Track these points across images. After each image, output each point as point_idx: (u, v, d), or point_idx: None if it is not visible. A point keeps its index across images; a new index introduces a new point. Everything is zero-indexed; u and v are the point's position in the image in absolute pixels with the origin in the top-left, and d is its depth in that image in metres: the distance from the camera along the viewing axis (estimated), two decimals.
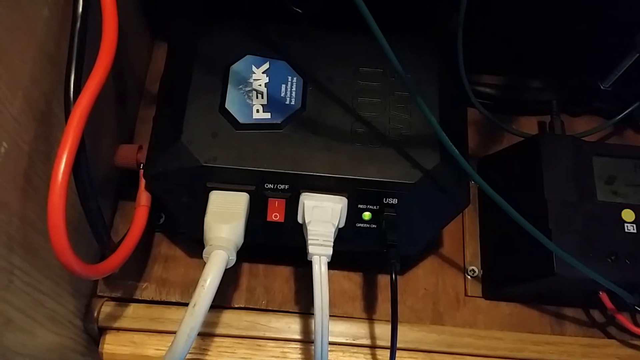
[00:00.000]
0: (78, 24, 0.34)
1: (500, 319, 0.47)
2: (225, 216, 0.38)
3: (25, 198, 0.32)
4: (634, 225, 0.42)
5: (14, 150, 0.30)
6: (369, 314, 0.46)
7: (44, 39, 0.32)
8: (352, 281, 0.47)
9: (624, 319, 0.44)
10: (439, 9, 0.46)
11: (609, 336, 0.47)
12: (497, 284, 0.46)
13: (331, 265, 0.38)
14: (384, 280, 0.47)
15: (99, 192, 0.39)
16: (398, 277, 0.40)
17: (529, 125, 0.53)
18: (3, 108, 0.29)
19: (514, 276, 0.45)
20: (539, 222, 0.40)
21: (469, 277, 0.48)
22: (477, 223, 0.49)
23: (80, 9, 0.34)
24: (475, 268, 0.48)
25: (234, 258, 0.37)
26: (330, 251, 0.37)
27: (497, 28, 0.48)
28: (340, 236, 0.40)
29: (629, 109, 0.48)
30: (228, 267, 0.36)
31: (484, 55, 0.48)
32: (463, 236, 0.49)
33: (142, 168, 0.42)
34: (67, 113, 0.32)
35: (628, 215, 0.42)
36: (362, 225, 0.41)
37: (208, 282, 0.35)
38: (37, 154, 0.33)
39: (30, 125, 0.32)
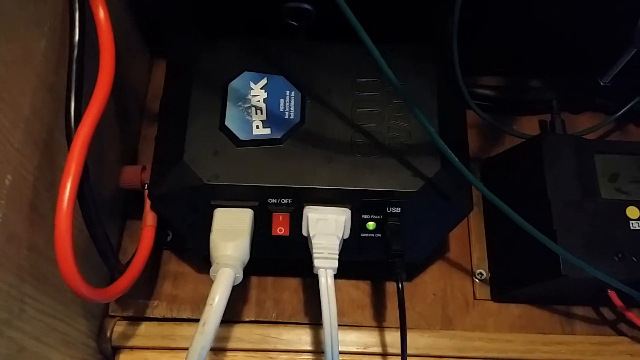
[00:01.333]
0: (75, 53, 0.34)
1: (510, 321, 0.47)
2: (231, 233, 0.38)
3: (32, 227, 0.33)
4: (639, 223, 0.41)
5: (19, 182, 0.31)
6: (379, 321, 0.46)
7: (42, 69, 0.33)
8: (361, 290, 0.47)
9: (633, 316, 0.44)
10: (434, 15, 0.46)
11: (620, 333, 0.46)
12: (505, 286, 0.46)
13: (339, 274, 0.38)
14: (392, 287, 0.47)
15: (105, 213, 0.40)
16: (406, 283, 0.40)
17: (530, 125, 0.53)
18: (5, 141, 0.30)
19: (522, 278, 0.45)
20: (544, 223, 0.40)
21: (477, 280, 0.48)
22: (482, 226, 0.49)
23: (76, 38, 0.34)
24: (483, 271, 0.48)
25: (240, 275, 0.37)
26: (335, 264, 0.38)
27: (493, 29, 0.48)
28: (346, 246, 0.40)
29: (630, 105, 0.48)
30: (235, 284, 0.37)
31: (481, 56, 0.48)
32: (469, 239, 0.49)
33: (147, 188, 0.43)
34: (69, 141, 0.33)
35: (633, 212, 0.42)
36: (366, 235, 0.41)
37: (216, 300, 0.35)
38: (42, 182, 0.33)
39: (33, 155, 0.32)
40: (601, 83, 0.45)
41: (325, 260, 0.38)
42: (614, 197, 0.42)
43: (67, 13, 0.34)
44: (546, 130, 0.50)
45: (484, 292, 0.48)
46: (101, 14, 0.36)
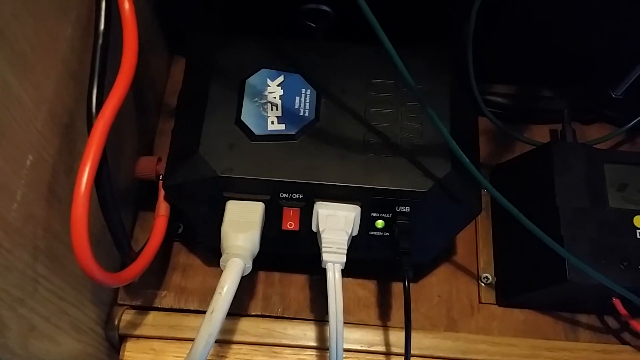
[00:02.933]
0: (100, 41, 0.35)
1: (514, 325, 0.47)
2: (242, 225, 0.39)
3: (49, 209, 0.34)
4: None
5: (39, 163, 0.32)
6: (384, 321, 0.47)
7: (67, 55, 0.34)
8: (367, 289, 0.48)
9: (637, 324, 0.44)
10: (450, 21, 0.47)
11: (623, 342, 0.47)
12: (510, 291, 0.47)
13: (345, 273, 0.39)
14: (398, 287, 0.48)
15: (119, 202, 0.41)
16: (411, 284, 0.40)
17: (541, 134, 0.53)
18: (29, 122, 0.30)
19: (528, 283, 0.45)
20: (552, 229, 0.40)
21: (482, 284, 0.48)
22: (490, 230, 0.50)
23: (102, 27, 0.35)
24: (489, 275, 0.48)
25: (250, 266, 0.38)
26: (343, 258, 0.38)
27: (508, 38, 0.49)
28: (354, 244, 0.40)
29: None
30: (244, 274, 0.37)
31: (495, 65, 0.49)
32: (476, 243, 0.50)
33: (162, 179, 0.43)
34: (90, 127, 0.34)
35: None
36: (375, 233, 0.41)
37: (225, 289, 0.36)
38: (61, 166, 0.34)
39: (54, 139, 0.33)
40: (613, 95, 0.46)
41: (334, 254, 0.38)
42: (622, 207, 0.43)
43: (94, 2, 0.35)
44: (557, 138, 0.50)
45: (489, 296, 0.48)
46: (126, 5, 0.36)
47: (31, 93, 0.30)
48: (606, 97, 0.46)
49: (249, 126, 0.40)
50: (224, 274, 0.36)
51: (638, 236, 0.42)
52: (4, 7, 0.27)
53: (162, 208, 0.44)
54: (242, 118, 0.40)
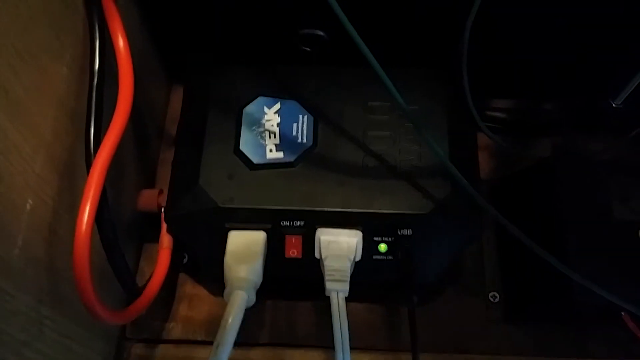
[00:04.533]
0: (95, 80, 0.35)
1: (524, 343, 0.46)
2: (244, 256, 0.39)
3: (52, 249, 0.34)
4: None
5: (39, 206, 0.32)
6: (393, 344, 0.46)
7: (63, 95, 0.34)
8: (374, 312, 0.47)
9: None
10: (444, 39, 0.47)
11: (635, 357, 0.46)
12: (519, 309, 0.46)
13: (352, 297, 0.38)
14: (405, 310, 0.47)
15: (123, 235, 0.41)
16: (418, 306, 0.40)
17: (543, 146, 0.53)
18: (27, 166, 0.31)
19: (535, 300, 0.44)
20: (556, 245, 0.40)
21: (490, 302, 0.48)
22: (496, 247, 0.49)
23: (97, 66, 0.35)
24: (496, 293, 0.48)
25: (253, 298, 0.37)
26: (347, 286, 0.38)
27: (504, 52, 0.49)
28: (359, 268, 0.40)
29: None
30: (248, 306, 0.37)
31: (494, 79, 0.49)
32: (482, 262, 0.49)
33: (163, 211, 0.43)
34: (89, 165, 0.34)
35: None
36: (378, 257, 0.41)
37: (229, 322, 0.35)
38: (62, 205, 0.34)
39: (54, 180, 0.33)
40: (613, 104, 0.45)
41: (337, 282, 0.38)
42: (627, 218, 0.42)
43: (88, 41, 0.36)
44: (558, 152, 0.50)
45: (497, 314, 0.47)
46: (120, 42, 0.37)
47: (28, 137, 0.30)
48: (606, 107, 0.46)
49: (248, 155, 0.40)
50: (227, 307, 0.36)
51: None
52: None
53: (165, 240, 0.44)
54: (241, 147, 0.40)
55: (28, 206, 0.31)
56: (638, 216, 0.42)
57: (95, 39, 0.36)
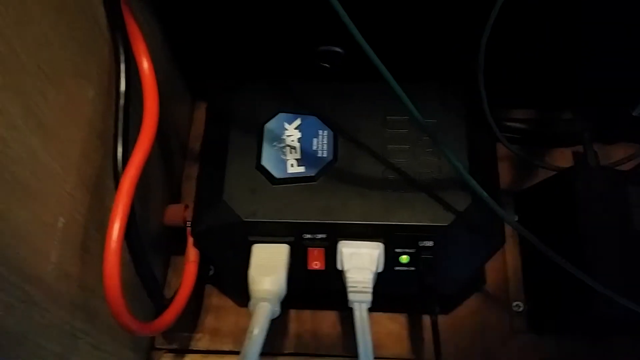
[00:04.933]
0: (121, 102, 0.37)
1: (549, 354, 0.46)
2: (268, 268, 0.39)
3: (83, 265, 0.35)
4: None
5: (71, 224, 0.33)
6: (417, 354, 0.47)
7: (91, 117, 0.35)
8: (398, 322, 0.48)
9: None
10: (461, 50, 0.47)
11: None
12: (543, 319, 0.46)
13: (375, 307, 0.39)
14: (428, 320, 0.47)
15: (151, 249, 0.42)
16: (442, 316, 0.40)
17: (563, 157, 0.53)
18: (59, 187, 0.32)
19: (558, 310, 0.44)
20: (577, 256, 0.39)
21: (514, 312, 0.48)
22: (519, 257, 0.49)
23: (122, 88, 0.37)
24: (520, 303, 0.48)
25: (278, 309, 0.38)
26: (369, 297, 0.39)
27: (522, 62, 0.49)
28: (381, 279, 0.41)
29: None
30: (273, 317, 0.38)
31: (512, 90, 0.49)
32: (506, 271, 0.49)
33: (189, 226, 0.45)
34: (117, 183, 0.35)
35: None
36: (400, 268, 0.41)
37: (254, 334, 0.36)
38: (92, 223, 0.36)
39: (84, 198, 0.35)
40: (632, 114, 0.45)
41: (360, 294, 0.39)
42: None
43: (113, 64, 0.37)
44: (579, 162, 0.50)
45: (521, 324, 0.47)
46: (145, 64, 0.38)
47: (59, 159, 0.32)
48: (626, 117, 0.46)
49: (270, 170, 0.41)
50: (252, 319, 0.37)
51: None
52: (27, 83, 0.28)
53: (192, 254, 0.45)
54: (263, 162, 0.41)
55: (60, 224, 0.32)
56: None
57: (121, 61, 0.37)
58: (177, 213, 0.46)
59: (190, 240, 0.45)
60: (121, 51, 0.37)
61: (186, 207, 0.47)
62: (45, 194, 0.31)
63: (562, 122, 0.52)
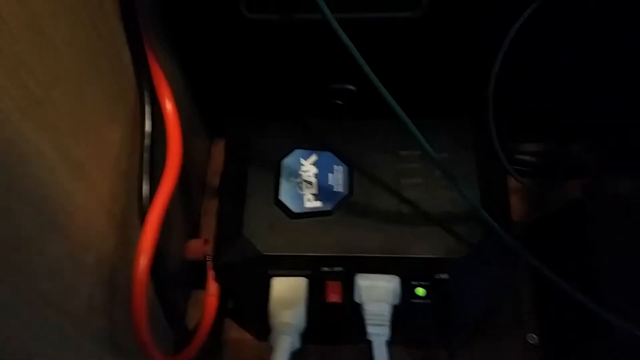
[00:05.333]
0: (146, 142, 0.38)
1: None
2: (287, 301, 0.40)
3: (110, 299, 0.36)
4: None
5: (100, 260, 0.34)
6: None
7: (117, 156, 0.37)
8: (415, 356, 0.48)
9: None
10: (472, 88, 0.48)
11: None
12: (558, 351, 0.46)
13: (393, 340, 0.39)
14: (445, 353, 0.48)
15: (172, 284, 0.43)
16: (458, 349, 0.41)
17: (573, 188, 0.53)
18: (90, 225, 0.33)
19: (574, 342, 0.45)
20: (591, 286, 0.40)
21: (528, 344, 0.48)
22: (531, 288, 0.50)
23: (147, 128, 0.39)
24: (534, 335, 0.48)
25: (298, 342, 0.39)
26: (387, 330, 0.39)
27: (532, 97, 0.50)
28: (398, 312, 0.41)
29: None
30: (293, 350, 0.39)
31: (521, 122, 0.50)
32: (519, 303, 0.50)
33: (209, 260, 0.46)
34: (142, 220, 0.37)
35: None
36: (416, 300, 0.42)
37: None
38: (118, 259, 0.37)
39: (112, 236, 0.36)
40: None
41: (378, 327, 0.39)
42: None
43: (139, 106, 0.39)
44: (588, 193, 0.50)
45: (535, 356, 0.48)
46: (168, 106, 0.40)
47: (90, 198, 0.33)
48: (636, 148, 0.47)
49: (287, 205, 0.42)
50: (273, 352, 0.38)
51: None
52: (63, 127, 0.30)
53: (212, 287, 0.46)
54: (280, 198, 0.42)
55: (90, 260, 0.34)
56: None
57: (146, 104, 0.39)
58: (198, 248, 0.48)
59: (211, 273, 0.46)
60: (146, 94, 0.39)
61: (205, 241, 0.48)
62: (77, 232, 0.32)
63: (571, 154, 0.53)
